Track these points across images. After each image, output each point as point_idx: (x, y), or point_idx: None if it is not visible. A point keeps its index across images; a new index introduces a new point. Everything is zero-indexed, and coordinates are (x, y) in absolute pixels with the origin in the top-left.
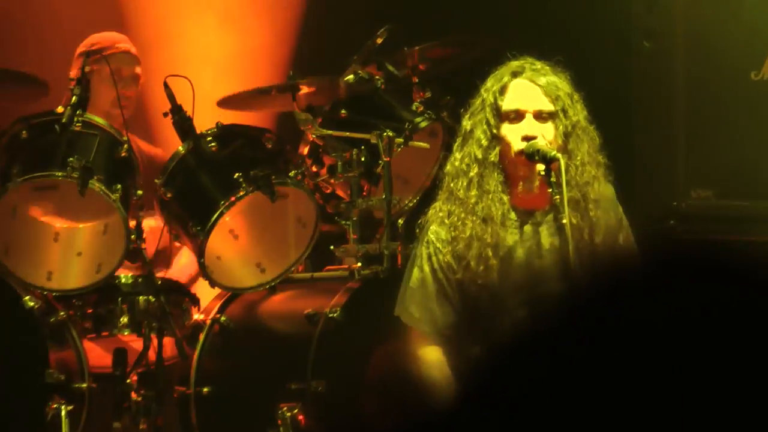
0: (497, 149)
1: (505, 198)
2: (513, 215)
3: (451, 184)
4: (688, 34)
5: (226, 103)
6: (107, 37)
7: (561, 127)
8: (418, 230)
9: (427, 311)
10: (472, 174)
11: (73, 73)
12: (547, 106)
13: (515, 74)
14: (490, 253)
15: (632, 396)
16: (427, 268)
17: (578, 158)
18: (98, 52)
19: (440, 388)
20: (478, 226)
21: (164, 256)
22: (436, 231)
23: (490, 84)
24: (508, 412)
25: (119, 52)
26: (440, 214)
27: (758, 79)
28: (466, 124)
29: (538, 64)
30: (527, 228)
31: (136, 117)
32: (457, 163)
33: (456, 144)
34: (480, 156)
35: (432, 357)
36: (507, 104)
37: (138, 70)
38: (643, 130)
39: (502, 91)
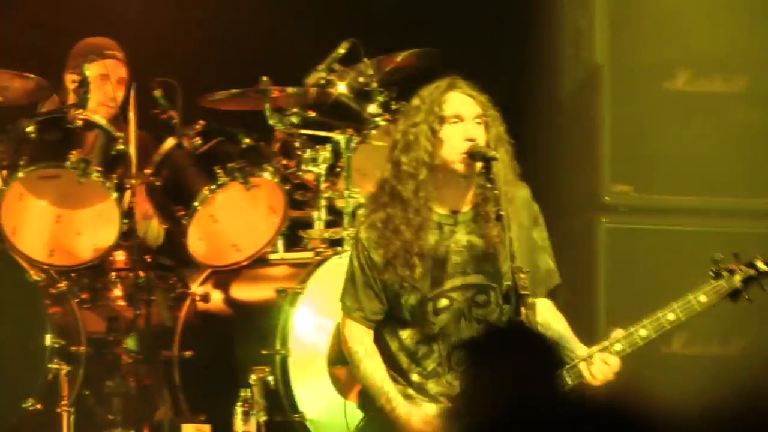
0: (439, 152)
1: (437, 202)
2: (437, 216)
3: (398, 188)
4: (611, 51)
5: (207, 102)
6: (100, 42)
7: (489, 134)
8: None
9: (356, 301)
10: (421, 177)
11: (67, 73)
12: (481, 115)
13: (451, 87)
14: (416, 260)
15: None
16: (356, 263)
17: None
18: (91, 55)
19: (361, 354)
20: (412, 234)
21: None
22: (366, 232)
23: (428, 96)
24: None
25: (111, 57)
26: (373, 218)
27: (671, 89)
28: (409, 132)
29: (466, 82)
30: (447, 228)
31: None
32: (404, 167)
33: (398, 150)
34: (427, 159)
35: (356, 334)
36: (449, 111)
37: (124, 72)
38: (572, 134)
39: (443, 101)
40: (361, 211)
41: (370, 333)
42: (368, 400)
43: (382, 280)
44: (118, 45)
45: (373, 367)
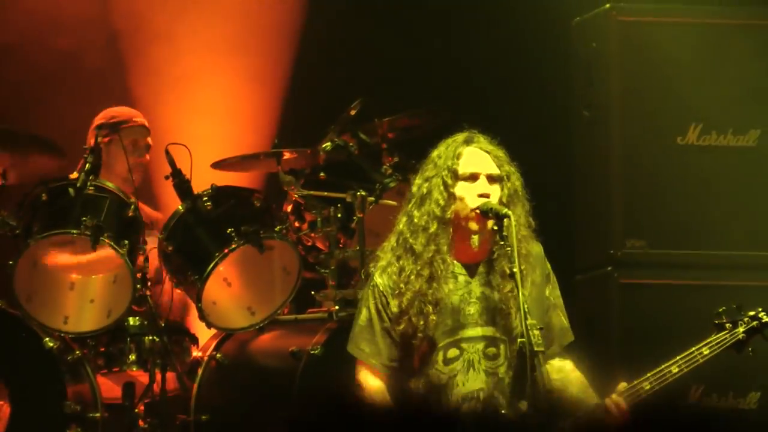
0: (453, 207)
1: (449, 257)
2: (454, 268)
3: (411, 240)
4: (622, 105)
5: (219, 166)
6: (124, 111)
7: (505, 190)
8: (364, 276)
9: (374, 346)
10: (432, 230)
11: (91, 142)
12: (496, 171)
13: (467, 142)
14: (430, 309)
15: None
16: (373, 309)
17: (515, 220)
18: (117, 124)
19: (380, 410)
20: (424, 284)
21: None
22: (382, 280)
23: (444, 150)
24: None
25: (136, 125)
26: (390, 268)
27: (684, 144)
28: (423, 186)
29: (483, 136)
30: (462, 278)
31: (143, 181)
32: (416, 221)
33: (412, 204)
34: (439, 213)
35: (373, 384)
36: (463, 168)
37: (150, 140)
38: (584, 189)
39: (458, 156)
40: (378, 261)
41: (385, 381)
42: None
43: (398, 329)
44: (141, 114)
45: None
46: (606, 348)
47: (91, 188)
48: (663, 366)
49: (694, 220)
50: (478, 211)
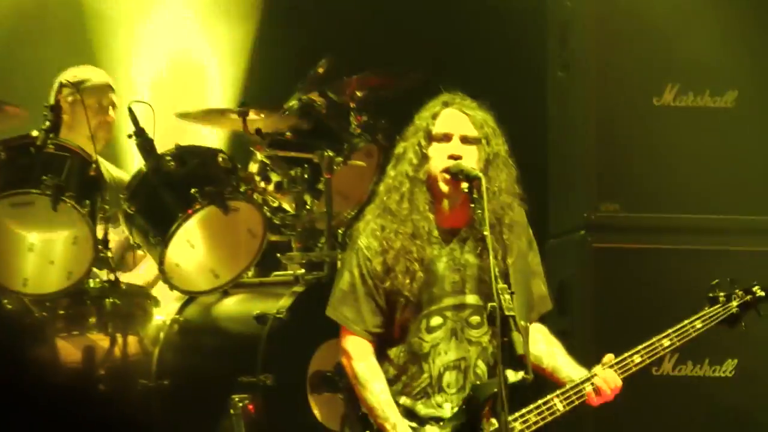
0: (426, 167)
1: (431, 216)
2: (437, 232)
3: (384, 198)
4: (598, 66)
5: (184, 117)
6: (87, 70)
7: (483, 153)
8: (347, 239)
9: (357, 312)
10: (404, 189)
11: (52, 100)
12: (473, 132)
13: (446, 104)
14: (417, 267)
15: None
16: (356, 273)
17: (496, 185)
18: (79, 83)
19: (366, 376)
20: (407, 240)
21: (127, 262)
22: (366, 241)
23: (423, 112)
24: None
25: (99, 84)
26: (372, 226)
27: (659, 105)
28: (400, 147)
29: (468, 99)
30: (446, 245)
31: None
32: (390, 181)
33: (390, 165)
34: (411, 173)
35: (359, 350)
36: (437, 128)
37: (114, 98)
38: (557, 151)
39: (434, 117)
40: (361, 223)
41: (372, 348)
42: (355, 429)
43: (384, 288)
44: (105, 72)
45: (377, 391)
46: (580, 313)
47: (51, 147)
48: (654, 339)
49: (670, 183)
50: (447, 173)
